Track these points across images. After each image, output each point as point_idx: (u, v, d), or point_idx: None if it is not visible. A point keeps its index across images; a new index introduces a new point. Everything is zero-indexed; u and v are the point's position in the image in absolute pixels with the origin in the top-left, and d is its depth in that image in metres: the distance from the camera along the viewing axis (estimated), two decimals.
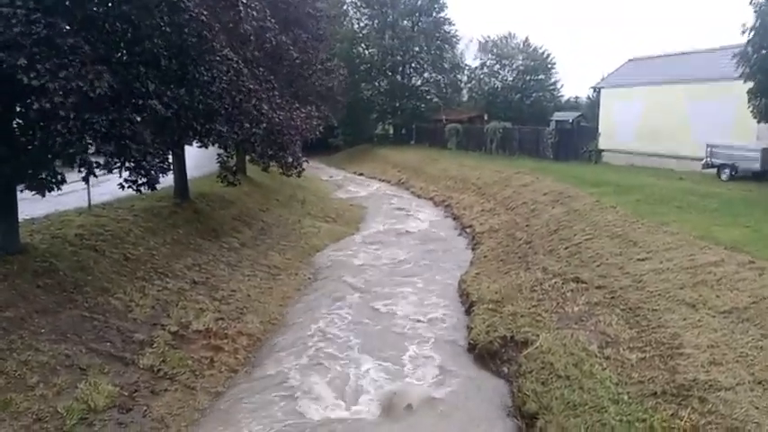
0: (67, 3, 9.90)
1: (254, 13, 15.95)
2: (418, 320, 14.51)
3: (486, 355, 12.13)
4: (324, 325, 14.11)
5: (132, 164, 11.91)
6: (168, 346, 11.32)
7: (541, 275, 15.21)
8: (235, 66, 14.28)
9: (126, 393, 9.58)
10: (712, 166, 25.90)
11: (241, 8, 14.97)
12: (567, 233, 17.99)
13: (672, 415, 8.01)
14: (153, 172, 12.57)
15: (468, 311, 14.83)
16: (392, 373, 11.65)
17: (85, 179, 11.36)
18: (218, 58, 13.35)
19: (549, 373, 10.22)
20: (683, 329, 10.01)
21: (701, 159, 26.39)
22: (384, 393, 10.77)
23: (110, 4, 10.66)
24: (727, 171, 25.10)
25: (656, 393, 8.65)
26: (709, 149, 25.91)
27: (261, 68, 18.02)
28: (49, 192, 11.15)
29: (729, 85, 24.47)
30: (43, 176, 10.92)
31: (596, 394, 9.10)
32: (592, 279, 13.66)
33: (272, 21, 18.37)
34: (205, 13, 12.51)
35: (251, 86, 15.40)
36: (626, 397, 8.83)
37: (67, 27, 9.75)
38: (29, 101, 9.48)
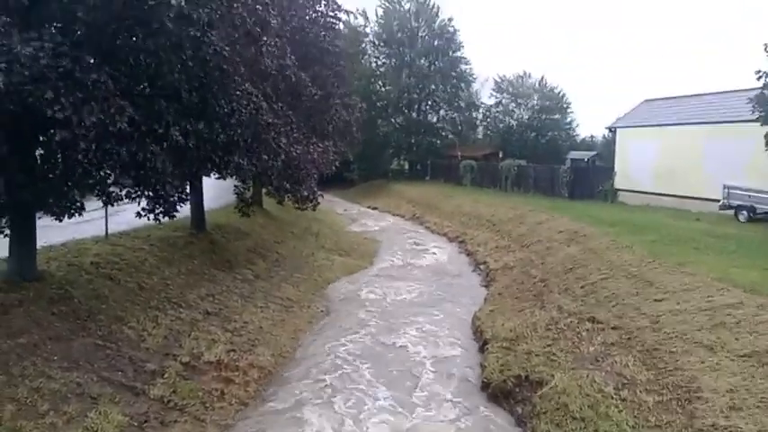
0: (94, 36, 10.10)
1: (275, 50, 16.24)
2: (431, 356, 14.36)
3: (500, 394, 11.96)
4: (335, 358, 14.01)
5: (151, 193, 12.05)
6: (179, 376, 11.28)
7: (557, 314, 15.02)
8: (255, 100, 14.49)
9: (135, 424, 9.53)
10: (730, 207, 25.71)
11: (263, 44, 15.24)
12: (582, 272, 17.82)
13: None
14: (171, 200, 12.72)
15: (481, 349, 14.68)
16: (405, 410, 11.49)
17: (105, 205, 11.46)
18: (238, 92, 13.55)
19: (563, 415, 10.02)
20: (701, 372, 9.81)
21: (718, 200, 26.22)
22: (396, 430, 10.61)
23: (134, 39, 10.88)
24: (744, 213, 24.88)
25: None
26: (726, 191, 25.73)
27: (280, 104, 18.28)
28: (69, 218, 11.26)
29: (747, 127, 24.40)
30: (62, 204, 11.05)
31: None
32: (608, 319, 13.47)
33: (293, 57, 18.72)
34: (227, 48, 12.75)
35: (270, 120, 15.60)
36: None
37: (92, 60, 9.93)
38: (51, 131, 9.65)
